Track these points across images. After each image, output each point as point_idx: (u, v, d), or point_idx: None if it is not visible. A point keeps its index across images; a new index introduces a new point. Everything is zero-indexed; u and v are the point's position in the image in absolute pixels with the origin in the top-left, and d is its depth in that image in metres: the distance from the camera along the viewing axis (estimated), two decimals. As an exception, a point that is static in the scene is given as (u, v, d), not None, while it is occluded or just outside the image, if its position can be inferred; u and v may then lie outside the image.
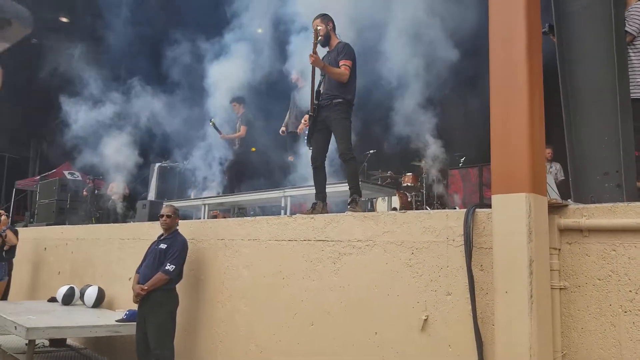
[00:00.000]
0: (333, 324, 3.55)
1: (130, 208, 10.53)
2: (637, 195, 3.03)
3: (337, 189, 5.34)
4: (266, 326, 4.04)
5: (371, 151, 8.64)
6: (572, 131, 3.48)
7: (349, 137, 4.49)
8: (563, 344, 2.57)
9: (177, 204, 7.41)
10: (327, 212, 4.35)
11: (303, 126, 5.42)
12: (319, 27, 4.62)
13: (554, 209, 2.67)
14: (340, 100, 4.49)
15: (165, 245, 4.62)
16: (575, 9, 3.45)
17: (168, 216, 4.75)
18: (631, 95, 3.99)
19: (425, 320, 3.03)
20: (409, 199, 7.86)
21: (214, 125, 7.81)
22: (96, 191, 11.80)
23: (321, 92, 4.62)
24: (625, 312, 2.41)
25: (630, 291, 2.41)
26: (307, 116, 4.89)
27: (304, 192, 5.96)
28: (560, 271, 2.63)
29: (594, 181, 3.34)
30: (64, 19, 12.43)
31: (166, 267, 4.48)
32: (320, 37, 4.60)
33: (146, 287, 4.45)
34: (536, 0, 2.77)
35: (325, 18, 4.72)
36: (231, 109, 8.18)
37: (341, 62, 4.50)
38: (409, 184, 7.98)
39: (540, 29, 2.88)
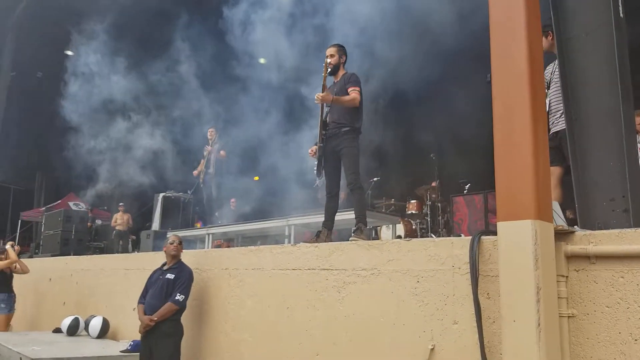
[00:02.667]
0: (339, 354, 3.49)
1: (133, 239, 10.55)
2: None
3: (341, 217, 5.34)
4: (271, 356, 3.98)
5: (375, 179, 8.67)
6: (577, 157, 3.48)
7: (357, 166, 4.52)
8: (573, 373, 2.52)
9: (182, 233, 7.43)
10: (332, 241, 4.34)
11: (312, 155, 5.47)
12: (331, 58, 4.69)
13: (561, 235, 2.65)
14: (348, 128, 4.53)
15: (173, 275, 4.60)
16: (578, 34, 3.50)
17: (179, 243, 4.78)
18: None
19: (432, 349, 2.98)
20: (413, 227, 7.83)
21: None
22: (97, 222, 11.85)
23: (328, 122, 4.66)
24: (636, 340, 2.36)
25: (639, 319, 2.37)
26: (314, 147, 4.92)
27: (307, 220, 5.96)
28: (568, 299, 2.59)
29: (601, 207, 3.32)
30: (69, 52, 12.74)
31: (176, 297, 4.46)
32: (329, 68, 4.67)
33: (156, 318, 4.40)
34: (538, 29, 2.82)
35: (340, 50, 4.79)
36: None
37: (350, 89, 4.55)
38: (413, 212, 7.97)
39: (542, 55, 2.92)
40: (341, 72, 4.76)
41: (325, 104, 4.62)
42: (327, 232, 4.50)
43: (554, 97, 4.22)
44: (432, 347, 2.98)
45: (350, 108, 4.54)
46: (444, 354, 2.94)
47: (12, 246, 7.35)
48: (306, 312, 3.78)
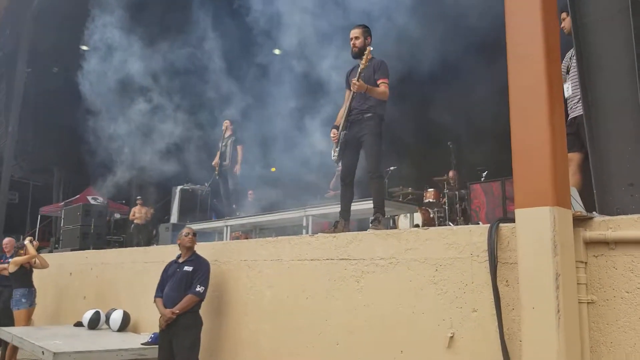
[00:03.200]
0: (358, 343, 3.53)
1: (152, 232, 10.69)
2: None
3: (359, 206, 5.36)
4: (291, 347, 4.04)
5: (392, 168, 8.65)
6: (595, 143, 3.45)
7: (379, 154, 4.45)
8: (592, 359, 2.52)
9: (200, 226, 7.53)
10: (349, 231, 4.36)
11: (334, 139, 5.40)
12: (356, 40, 4.58)
13: (579, 221, 2.65)
14: (370, 114, 4.46)
15: (192, 267, 4.67)
16: (595, 19, 3.45)
17: (193, 234, 4.85)
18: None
19: (452, 337, 3.01)
20: (431, 215, 7.82)
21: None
22: (116, 215, 11.99)
23: (351, 108, 4.57)
24: (657, 325, 2.36)
25: (660, 304, 2.36)
26: (334, 130, 4.76)
27: (325, 210, 5.99)
28: (588, 285, 2.60)
29: (619, 192, 3.30)
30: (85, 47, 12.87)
31: (196, 289, 4.53)
32: (355, 49, 4.58)
33: (177, 311, 4.46)
34: (554, 15, 2.79)
35: (365, 31, 4.65)
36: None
37: (380, 81, 4.48)
38: (430, 200, 7.96)
39: (559, 41, 2.89)
40: (368, 56, 4.52)
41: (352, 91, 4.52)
42: (344, 222, 4.51)
43: (572, 83, 4.17)
44: (452, 335, 3.01)
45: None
46: (463, 342, 2.97)
47: (31, 241, 7.48)
48: (325, 302, 3.83)
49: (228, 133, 8.44)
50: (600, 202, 3.24)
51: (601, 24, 3.31)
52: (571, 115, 4.19)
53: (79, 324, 6.48)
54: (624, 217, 2.57)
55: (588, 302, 2.58)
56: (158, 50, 10.34)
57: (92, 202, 14.04)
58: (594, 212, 2.97)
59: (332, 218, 6.56)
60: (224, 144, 8.38)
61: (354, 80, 4.39)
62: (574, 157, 4.05)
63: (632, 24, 3.16)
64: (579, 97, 3.92)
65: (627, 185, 3.23)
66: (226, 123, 8.54)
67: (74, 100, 12.34)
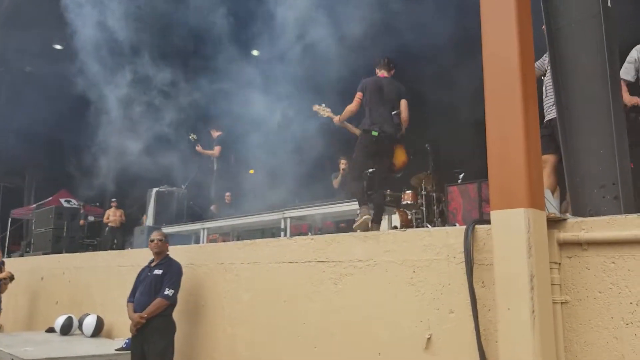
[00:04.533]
0: (336, 346, 3.52)
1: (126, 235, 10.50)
2: (635, 207, 3.05)
3: (337, 208, 5.36)
4: (269, 350, 4.00)
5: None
6: (568, 145, 3.51)
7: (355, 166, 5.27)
8: (566, 358, 2.56)
9: (176, 228, 7.42)
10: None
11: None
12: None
13: (553, 223, 2.69)
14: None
15: (161, 271, 4.60)
16: (567, 24, 3.52)
17: (160, 240, 4.76)
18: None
19: (429, 339, 3.02)
20: (409, 217, 7.86)
21: (194, 139, 8.69)
22: (89, 218, 11.74)
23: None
24: (627, 324, 2.41)
25: (630, 303, 2.41)
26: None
27: (303, 213, 5.97)
28: (561, 285, 2.63)
29: (592, 194, 3.36)
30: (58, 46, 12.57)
31: (165, 292, 4.45)
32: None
33: (146, 315, 4.39)
34: (528, 19, 2.83)
35: None
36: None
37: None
38: (408, 202, 7.99)
39: (532, 44, 2.94)
40: None
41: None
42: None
43: (548, 86, 4.25)
44: (429, 336, 3.02)
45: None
46: (440, 343, 2.98)
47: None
48: (303, 305, 3.80)
49: (215, 137, 8.96)
50: (574, 204, 3.30)
51: (574, 28, 3.38)
52: (547, 118, 4.26)
53: (51, 330, 6.32)
54: (596, 218, 2.62)
55: (562, 303, 2.62)
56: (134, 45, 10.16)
57: (65, 204, 13.71)
58: (568, 214, 3.02)
59: (309, 220, 6.55)
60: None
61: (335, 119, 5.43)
62: (549, 159, 4.11)
63: (603, 28, 3.24)
64: (554, 99, 4.00)
65: (599, 187, 3.30)
66: (213, 130, 9.07)
67: (47, 100, 12.04)
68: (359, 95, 5.23)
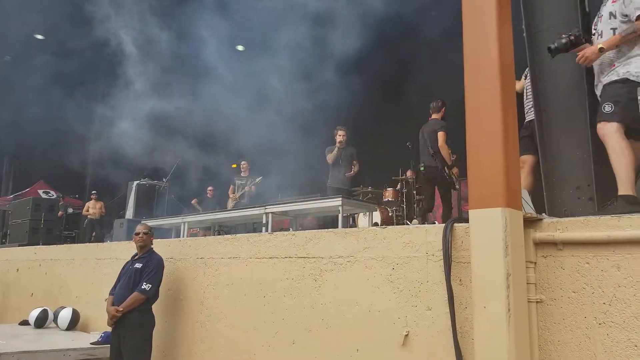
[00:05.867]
0: (314, 342, 3.53)
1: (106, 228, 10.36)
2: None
3: (318, 205, 5.35)
4: (247, 346, 3.99)
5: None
6: (545, 146, 3.58)
7: None
8: (540, 357, 2.61)
9: (156, 222, 7.34)
10: None
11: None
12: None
13: (529, 223, 2.73)
14: None
15: (141, 265, 4.54)
16: (545, 28, 3.58)
17: (145, 233, 4.70)
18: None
19: (406, 335, 3.04)
20: (390, 214, 7.91)
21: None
22: (68, 210, 11.55)
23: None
24: (600, 324, 2.46)
25: (603, 303, 2.46)
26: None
27: (285, 208, 5.95)
28: (537, 284, 2.68)
29: (568, 195, 3.43)
30: (39, 36, 12.28)
31: (142, 287, 4.40)
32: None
33: (121, 309, 4.34)
34: (508, 24, 2.86)
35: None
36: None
37: None
38: (390, 199, 8.05)
39: (512, 47, 2.97)
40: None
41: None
42: None
43: (528, 87, 4.31)
44: (407, 333, 3.04)
45: None
46: (418, 340, 3.00)
47: None
48: (283, 301, 3.80)
49: (246, 174, 9.12)
50: (550, 204, 3.36)
51: (551, 33, 3.43)
52: (527, 119, 4.31)
53: (24, 323, 6.22)
54: (571, 219, 2.66)
55: (537, 302, 2.66)
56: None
57: (44, 195, 13.46)
58: (544, 214, 3.07)
59: (292, 216, 6.54)
60: (242, 182, 8.98)
61: None
62: (528, 160, 4.17)
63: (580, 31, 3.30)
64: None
65: (574, 188, 3.37)
66: (244, 164, 9.20)
67: (26, 89, 11.77)
68: None
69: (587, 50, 3.24)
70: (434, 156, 6.23)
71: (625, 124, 3.04)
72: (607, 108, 3.09)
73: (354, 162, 7.40)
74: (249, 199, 8.72)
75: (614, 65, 3.23)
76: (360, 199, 7.80)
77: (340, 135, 7.17)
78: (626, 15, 3.22)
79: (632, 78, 3.13)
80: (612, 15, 3.30)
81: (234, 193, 9.07)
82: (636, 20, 3.16)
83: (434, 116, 6.58)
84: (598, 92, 3.35)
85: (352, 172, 7.30)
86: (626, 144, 3.01)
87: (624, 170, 2.98)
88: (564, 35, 3.31)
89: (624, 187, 2.97)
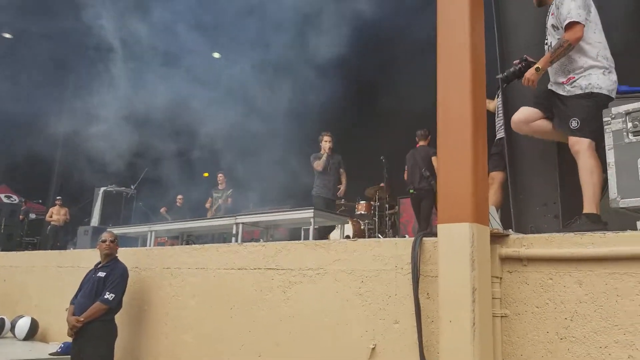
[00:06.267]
0: (281, 355, 3.48)
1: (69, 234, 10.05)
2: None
3: (289, 216, 5.33)
4: (211, 358, 3.90)
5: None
6: (513, 163, 3.66)
7: None
8: (504, 371, 2.64)
9: (122, 230, 7.16)
10: None
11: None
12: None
13: (496, 238, 2.77)
14: None
15: (104, 273, 4.42)
16: (516, 49, 3.69)
17: (111, 241, 4.58)
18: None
19: (373, 349, 3.03)
20: (362, 227, 7.94)
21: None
22: (31, 215, 11.18)
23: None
24: (561, 338, 2.50)
25: (565, 318, 2.51)
26: None
27: (256, 219, 5.90)
28: (502, 299, 2.71)
29: (534, 212, 3.51)
30: (7, 35, 11.92)
31: (105, 296, 4.27)
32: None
33: (82, 319, 4.19)
34: (481, 39, 2.93)
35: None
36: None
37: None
38: (362, 212, 8.08)
39: (484, 67, 3.04)
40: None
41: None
42: None
43: (500, 105, 4.41)
44: (374, 346, 3.03)
45: None
46: (384, 354, 3.00)
47: None
48: (250, 313, 3.74)
49: (223, 186, 9.12)
50: (517, 220, 3.43)
51: (523, 53, 3.53)
52: (497, 136, 4.41)
53: (-21, 333, 5.95)
54: (536, 235, 2.72)
55: (501, 316, 2.69)
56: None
57: (5, 200, 12.98)
58: (510, 230, 3.13)
59: (263, 226, 6.48)
60: (219, 195, 8.99)
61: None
62: (497, 176, 4.26)
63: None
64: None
65: (541, 205, 3.45)
66: (221, 177, 9.22)
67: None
68: None
69: (527, 73, 3.32)
70: (428, 178, 6.69)
71: (594, 139, 3.09)
72: (574, 124, 3.15)
73: (341, 170, 7.20)
74: (226, 211, 8.66)
75: (573, 78, 3.27)
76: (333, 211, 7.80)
77: (326, 142, 6.89)
78: (559, 28, 3.29)
79: (596, 91, 3.17)
80: (554, 27, 3.37)
81: (211, 206, 9.02)
82: (565, 30, 3.20)
83: (421, 143, 7.11)
84: (554, 88, 3.36)
85: (343, 185, 7.19)
86: (595, 162, 3.07)
87: (590, 188, 3.05)
88: (514, 63, 3.43)
89: (589, 205, 3.05)
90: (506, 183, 3.98)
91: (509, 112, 3.71)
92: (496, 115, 4.47)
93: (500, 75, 3.43)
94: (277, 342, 3.53)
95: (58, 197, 11.68)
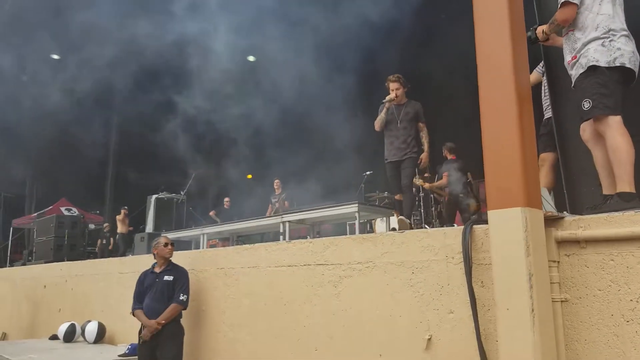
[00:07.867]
0: (337, 348, 3.52)
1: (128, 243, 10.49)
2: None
3: (335, 211, 5.35)
4: (269, 354, 3.99)
5: (367, 172, 8.70)
6: (564, 144, 3.53)
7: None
8: (567, 356, 2.56)
9: (176, 234, 7.42)
10: None
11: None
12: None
13: (551, 221, 2.69)
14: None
15: (172, 277, 4.63)
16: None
17: (172, 244, 4.79)
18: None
19: (429, 339, 3.01)
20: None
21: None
22: (90, 226, 11.75)
23: None
24: (628, 321, 2.40)
25: (631, 300, 2.41)
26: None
27: (302, 216, 5.97)
28: (561, 283, 2.63)
29: (589, 192, 3.37)
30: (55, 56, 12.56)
31: (180, 298, 4.51)
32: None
33: (163, 321, 4.42)
34: (521, 22, 2.84)
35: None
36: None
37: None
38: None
39: (525, 42, 2.95)
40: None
41: None
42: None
43: (546, 85, 4.25)
44: (430, 337, 3.01)
45: None
46: (441, 344, 2.97)
47: None
48: (303, 308, 3.80)
49: (279, 191, 9.43)
50: (571, 201, 3.30)
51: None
52: (546, 116, 4.25)
53: (54, 337, 6.37)
54: (593, 216, 2.62)
55: (562, 301, 2.61)
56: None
57: (66, 213, 13.72)
58: (565, 212, 3.02)
59: (309, 224, 6.55)
60: (276, 200, 9.28)
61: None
62: (548, 157, 4.11)
63: None
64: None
65: (596, 185, 3.30)
66: (277, 182, 9.54)
67: (44, 109, 12.05)
68: None
69: (538, 30, 3.38)
70: (466, 185, 6.96)
71: (616, 113, 2.94)
72: (586, 105, 3.03)
73: (420, 124, 5.47)
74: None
75: (576, 57, 3.17)
76: (377, 204, 7.78)
77: (392, 90, 5.41)
78: None
79: (597, 64, 3.03)
80: None
81: (272, 212, 9.24)
82: (559, 7, 3.19)
83: (450, 157, 7.40)
84: (570, 69, 3.28)
85: (425, 149, 5.45)
86: (621, 138, 2.91)
87: (619, 167, 2.90)
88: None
89: (622, 183, 2.90)
90: (557, 164, 3.84)
91: (555, 91, 3.58)
92: (542, 93, 4.30)
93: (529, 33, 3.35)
94: (331, 335, 3.56)
95: (124, 207, 12.25)
